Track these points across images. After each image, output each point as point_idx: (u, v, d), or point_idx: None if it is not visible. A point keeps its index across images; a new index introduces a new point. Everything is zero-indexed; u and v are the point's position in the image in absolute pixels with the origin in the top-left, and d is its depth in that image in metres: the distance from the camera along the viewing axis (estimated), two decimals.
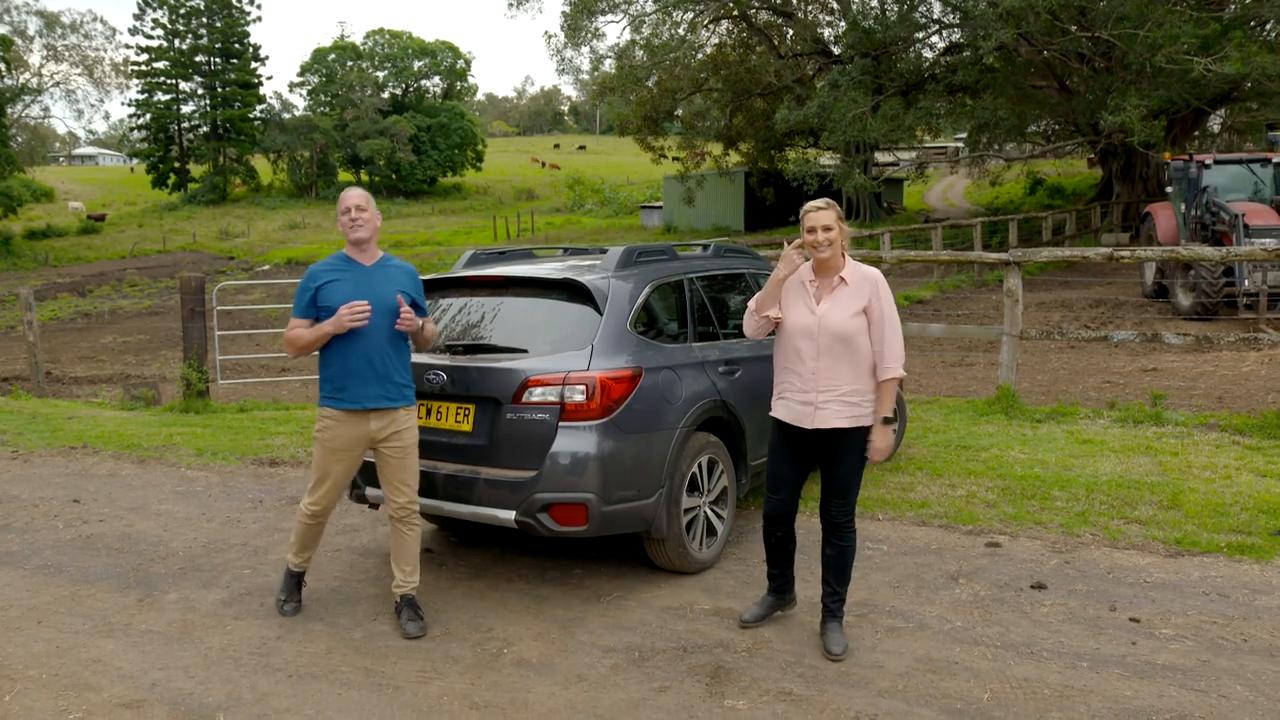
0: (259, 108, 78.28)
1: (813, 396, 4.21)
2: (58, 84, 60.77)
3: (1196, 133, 32.56)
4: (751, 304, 4.40)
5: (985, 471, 6.82)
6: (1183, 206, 17.98)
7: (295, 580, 4.88)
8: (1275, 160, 18.12)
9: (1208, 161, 17.78)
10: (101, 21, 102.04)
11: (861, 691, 3.89)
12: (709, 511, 5.27)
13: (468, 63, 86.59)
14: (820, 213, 4.18)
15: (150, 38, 75.22)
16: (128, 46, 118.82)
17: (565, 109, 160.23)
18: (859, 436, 4.23)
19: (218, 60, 76.48)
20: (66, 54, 60.48)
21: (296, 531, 4.75)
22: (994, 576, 5.02)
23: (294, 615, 4.77)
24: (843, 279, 4.22)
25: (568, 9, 36.74)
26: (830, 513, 4.32)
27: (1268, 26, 27.36)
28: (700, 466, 5.14)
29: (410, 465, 4.60)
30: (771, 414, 4.40)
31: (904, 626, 4.48)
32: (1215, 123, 33.49)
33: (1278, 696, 3.75)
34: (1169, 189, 19.08)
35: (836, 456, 4.26)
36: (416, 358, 5.14)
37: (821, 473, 4.37)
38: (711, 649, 4.31)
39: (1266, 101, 26.20)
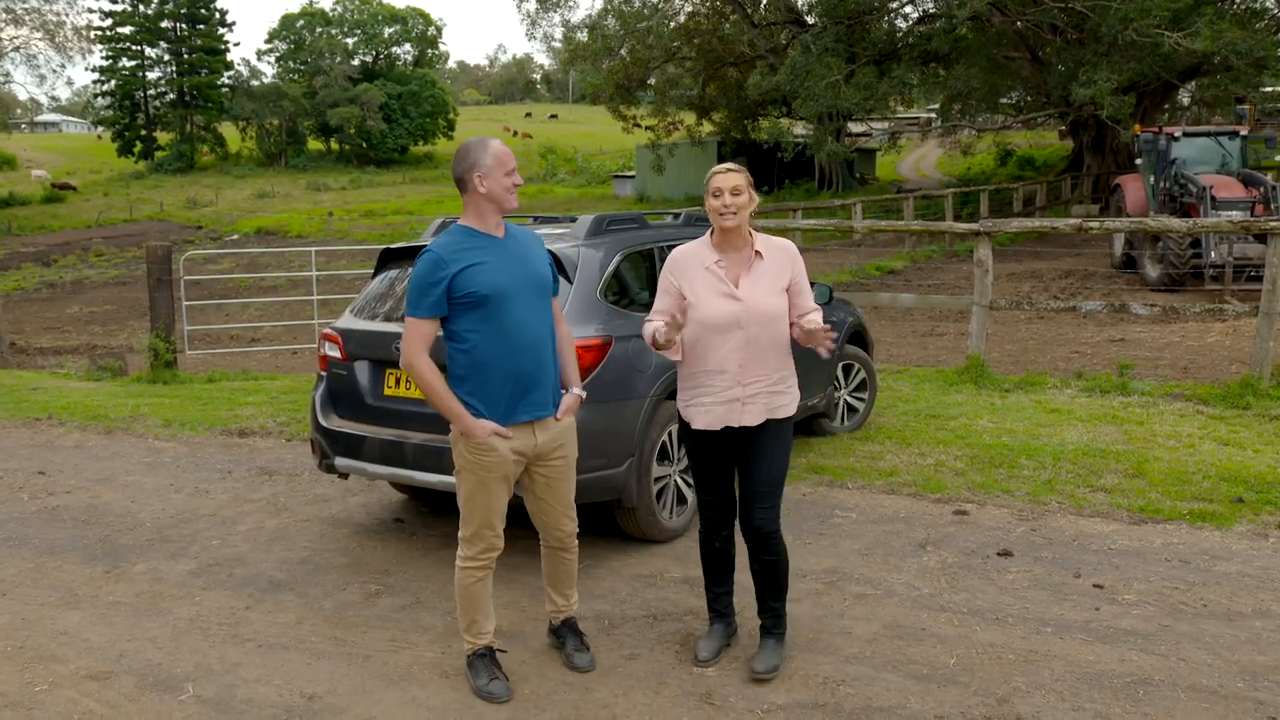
0: (226, 75, 76.91)
1: (739, 392, 3.64)
2: (18, 49, 59.25)
3: (1166, 105, 32.78)
4: (652, 335, 3.66)
5: (954, 440, 6.88)
6: (1152, 179, 18.13)
7: (489, 657, 3.80)
8: (1243, 133, 18.29)
9: (1176, 134, 17.92)
10: None
11: (829, 657, 3.93)
12: (679, 480, 5.29)
13: (439, 30, 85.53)
14: (729, 174, 3.60)
15: (114, 1, 73.67)
16: (90, 11, 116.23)
17: (537, 77, 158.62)
18: (786, 427, 3.76)
19: (184, 26, 74.95)
20: (26, 17, 59.00)
21: (461, 598, 3.75)
22: (961, 544, 5.08)
23: (507, 698, 3.67)
24: (757, 253, 3.67)
25: None
26: (755, 521, 3.71)
27: (1237, 1, 27.52)
28: (670, 435, 5.15)
29: (572, 485, 3.89)
30: (684, 420, 3.81)
31: (872, 593, 4.52)
32: (1185, 96, 33.71)
33: (1234, 659, 3.82)
34: (1138, 161, 19.23)
35: (761, 453, 3.71)
36: (384, 326, 5.10)
37: (741, 476, 3.77)
38: (681, 616, 4.34)
39: (1235, 76, 26.38)
